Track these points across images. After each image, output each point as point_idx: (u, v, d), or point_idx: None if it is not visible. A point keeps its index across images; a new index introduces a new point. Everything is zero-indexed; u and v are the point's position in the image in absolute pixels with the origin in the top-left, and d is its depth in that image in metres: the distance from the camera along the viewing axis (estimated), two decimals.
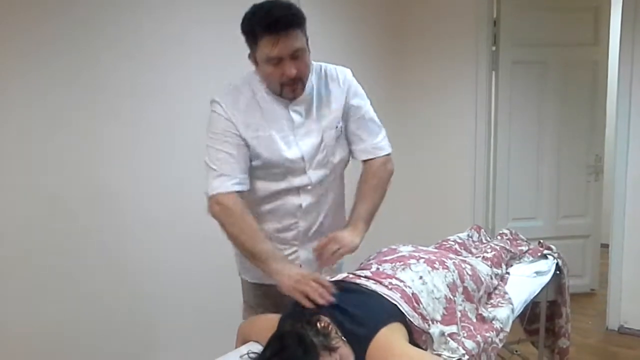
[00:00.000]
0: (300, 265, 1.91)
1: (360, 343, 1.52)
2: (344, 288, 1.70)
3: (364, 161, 2.01)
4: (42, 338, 2.25)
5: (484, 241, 2.66)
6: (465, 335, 1.76)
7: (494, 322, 1.90)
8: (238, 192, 1.75)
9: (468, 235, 2.66)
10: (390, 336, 1.53)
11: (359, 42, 3.78)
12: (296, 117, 1.82)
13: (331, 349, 1.45)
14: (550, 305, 2.67)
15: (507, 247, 2.48)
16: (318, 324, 1.52)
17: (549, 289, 2.61)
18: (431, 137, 4.23)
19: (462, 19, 3.95)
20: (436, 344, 1.66)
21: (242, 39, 1.72)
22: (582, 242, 4.34)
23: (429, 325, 1.69)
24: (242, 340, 1.82)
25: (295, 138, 1.82)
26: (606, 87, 4.18)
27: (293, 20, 1.64)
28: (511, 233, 2.71)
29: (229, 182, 1.74)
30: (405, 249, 2.03)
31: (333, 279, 1.79)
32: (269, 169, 1.82)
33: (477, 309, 1.90)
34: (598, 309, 4.01)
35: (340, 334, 1.53)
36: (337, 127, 1.89)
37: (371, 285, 1.70)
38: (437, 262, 1.90)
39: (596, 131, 4.19)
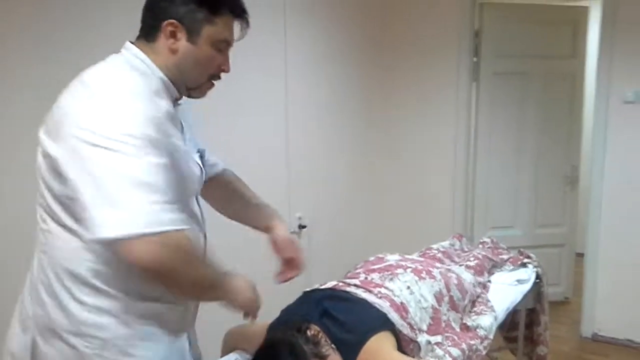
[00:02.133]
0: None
1: (349, 351, 1.54)
2: (334, 296, 1.71)
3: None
4: None
5: (466, 249, 2.71)
6: (450, 344, 1.79)
7: (477, 330, 1.94)
8: None
9: (450, 243, 2.70)
10: (380, 344, 1.55)
11: (340, 53, 3.80)
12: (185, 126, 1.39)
13: (321, 357, 1.46)
14: (529, 313, 2.72)
15: (489, 256, 2.53)
16: (308, 332, 1.53)
17: (529, 297, 2.66)
18: (412, 147, 4.26)
19: (444, 30, 4.00)
20: (423, 352, 1.68)
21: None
22: (557, 250, 4.41)
23: (416, 334, 1.71)
24: (228, 349, 1.82)
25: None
26: (583, 99, 4.28)
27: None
28: (492, 241, 2.76)
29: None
30: (392, 258, 2.06)
31: (322, 287, 1.80)
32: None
33: (461, 318, 1.94)
34: (572, 317, 4.08)
35: (329, 341, 1.54)
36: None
37: (361, 293, 1.71)
38: (424, 272, 1.93)
39: (572, 142, 4.28)
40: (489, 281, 2.42)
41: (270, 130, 3.28)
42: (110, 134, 1.07)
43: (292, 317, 1.64)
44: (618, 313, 3.70)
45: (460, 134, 4.08)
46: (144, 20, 1.30)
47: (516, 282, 2.43)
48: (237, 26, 1.34)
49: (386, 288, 1.78)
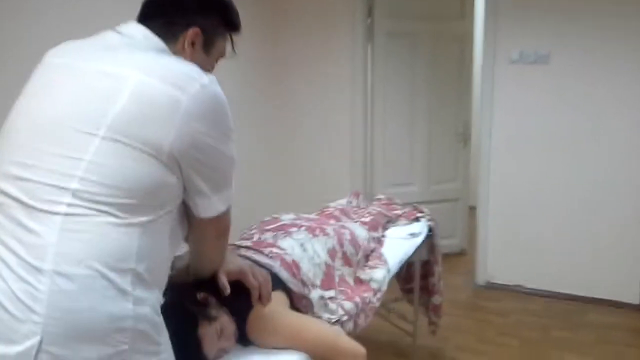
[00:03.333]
0: None
1: (240, 313, 1.53)
2: None
3: None
4: None
5: (362, 206, 2.76)
6: (343, 298, 1.83)
7: (370, 283, 1.99)
8: None
9: (348, 201, 2.74)
10: (270, 305, 1.55)
11: None
12: None
13: (210, 319, 1.44)
14: (423, 265, 2.83)
15: (384, 212, 2.59)
16: (197, 296, 1.50)
17: (422, 249, 2.76)
18: (309, 109, 4.28)
19: None
20: (316, 308, 1.71)
21: None
22: (452, 205, 4.62)
23: (309, 290, 1.73)
24: None
25: None
26: (472, 59, 4.45)
27: None
28: (387, 198, 2.83)
29: None
30: (286, 218, 2.06)
31: None
32: None
33: (354, 272, 1.98)
34: (468, 267, 4.29)
35: (220, 304, 1.52)
36: None
37: (252, 255, 1.70)
38: (317, 230, 1.95)
39: (463, 101, 4.45)
40: (384, 236, 2.49)
41: None
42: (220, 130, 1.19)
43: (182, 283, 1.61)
44: (509, 262, 3.95)
45: (357, 94, 4.14)
46: (161, 15, 1.27)
47: (409, 236, 2.51)
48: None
49: (278, 247, 1.78)
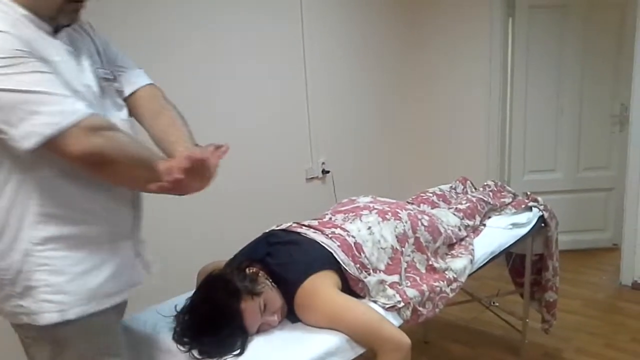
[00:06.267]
0: None
1: (289, 289, 1.58)
2: (283, 236, 1.75)
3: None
4: None
5: (469, 193, 2.64)
6: (408, 284, 1.79)
7: (446, 272, 1.92)
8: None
9: (451, 186, 2.64)
10: (318, 282, 1.58)
11: None
12: (70, 50, 1.30)
13: (254, 294, 1.51)
14: (538, 259, 2.64)
15: (485, 199, 2.45)
16: (247, 270, 1.58)
17: (536, 242, 2.57)
18: (443, 87, 4.13)
19: None
20: (373, 292, 1.69)
21: None
22: (604, 195, 4.19)
23: (368, 273, 1.72)
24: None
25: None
26: (634, 30, 3.92)
27: None
28: (496, 185, 2.66)
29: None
30: (362, 200, 2.06)
31: (278, 228, 1.84)
32: None
33: (427, 259, 1.91)
34: (616, 264, 3.86)
35: (270, 280, 1.59)
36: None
37: (310, 233, 1.73)
38: (389, 214, 1.92)
39: (622, 78, 3.95)
40: (483, 225, 2.36)
41: (288, 75, 3.26)
42: None
43: (242, 256, 1.70)
44: None
45: (495, 72, 3.91)
46: None
47: (511, 226, 2.35)
48: None
49: (342, 228, 1.79)
